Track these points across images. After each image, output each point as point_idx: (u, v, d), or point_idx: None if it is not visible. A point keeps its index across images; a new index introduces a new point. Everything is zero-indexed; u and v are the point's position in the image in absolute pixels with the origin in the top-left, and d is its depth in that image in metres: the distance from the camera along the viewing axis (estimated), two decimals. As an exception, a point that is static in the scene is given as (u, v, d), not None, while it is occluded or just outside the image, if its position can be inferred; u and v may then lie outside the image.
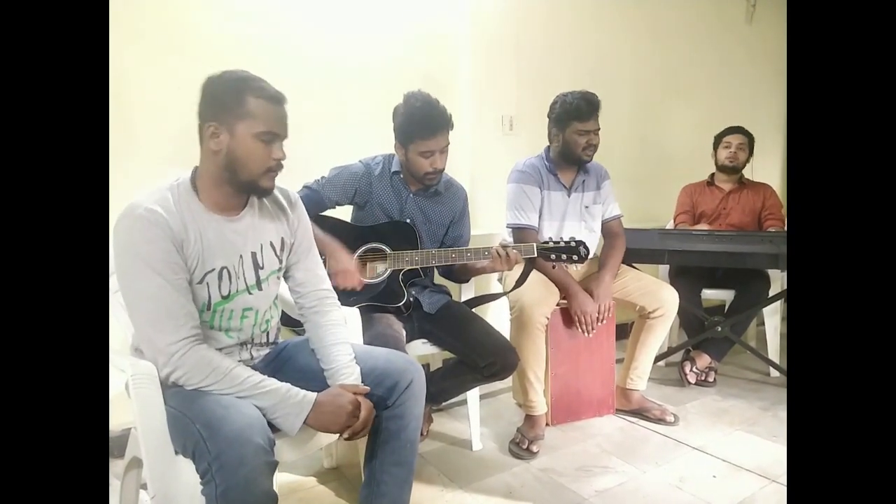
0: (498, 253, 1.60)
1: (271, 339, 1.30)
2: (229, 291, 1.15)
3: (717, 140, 2.71)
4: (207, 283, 1.12)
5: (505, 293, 1.94)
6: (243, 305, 1.18)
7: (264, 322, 1.25)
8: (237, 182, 1.11)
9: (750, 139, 2.65)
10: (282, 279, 1.30)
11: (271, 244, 1.22)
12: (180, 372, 1.03)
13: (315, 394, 1.09)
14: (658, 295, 2.03)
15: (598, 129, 1.97)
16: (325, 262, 1.40)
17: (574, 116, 1.94)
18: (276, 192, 1.26)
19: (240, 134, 1.07)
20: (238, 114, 1.07)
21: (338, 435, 1.13)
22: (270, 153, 1.10)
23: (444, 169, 1.71)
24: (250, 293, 1.18)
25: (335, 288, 1.39)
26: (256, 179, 1.11)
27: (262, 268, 1.20)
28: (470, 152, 2.53)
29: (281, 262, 1.25)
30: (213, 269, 1.12)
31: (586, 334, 1.94)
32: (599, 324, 1.97)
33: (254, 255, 1.18)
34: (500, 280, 2.15)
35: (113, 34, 1.33)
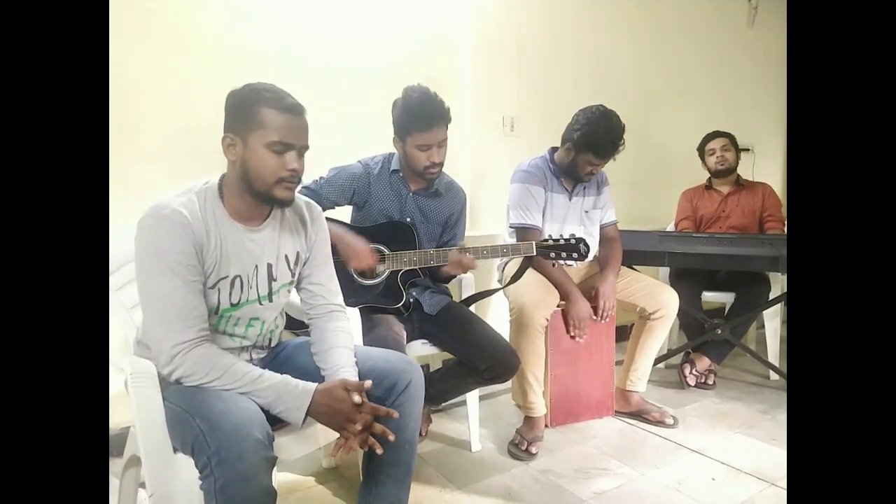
0: (452, 258, 1.61)
1: (273, 345, 1.31)
2: (239, 300, 1.16)
3: (701, 151, 2.75)
4: (219, 289, 1.13)
5: (501, 287, 1.94)
6: (251, 315, 1.20)
7: (269, 332, 1.27)
8: (253, 192, 1.12)
9: (731, 139, 2.69)
10: (293, 290, 1.30)
11: (286, 257, 1.23)
12: (181, 370, 1.04)
13: (314, 384, 1.09)
14: (658, 296, 2.03)
15: (608, 162, 1.96)
16: (335, 251, 1.41)
17: (593, 149, 1.89)
18: (301, 204, 1.27)
19: (251, 144, 1.09)
20: (251, 125, 1.08)
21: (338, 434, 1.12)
22: (283, 163, 1.10)
23: (443, 163, 1.71)
24: (260, 304, 1.20)
25: (353, 272, 1.44)
26: (270, 189, 1.11)
27: (275, 280, 1.21)
28: (471, 153, 2.53)
29: (293, 275, 1.26)
30: (227, 277, 1.13)
31: (577, 339, 1.95)
32: (604, 321, 1.97)
33: (269, 266, 1.20)
34: (499, 281, 2.15)
35: (114, 34, 1.33)
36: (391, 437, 1.09)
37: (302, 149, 1.13)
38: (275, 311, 1.25)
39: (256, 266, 1.17)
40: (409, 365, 1.23)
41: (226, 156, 1.13)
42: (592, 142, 1.88)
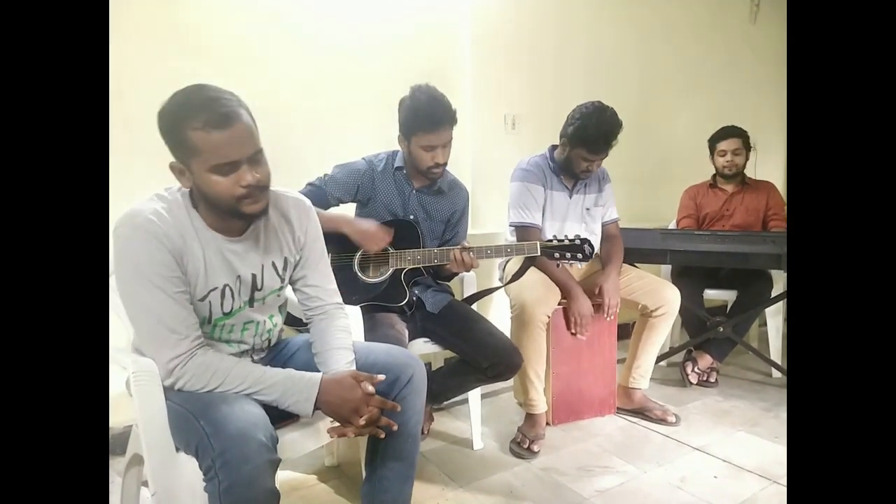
0: (454, 257, 1.62)
1: (273, 344, 1.30)
2: (231, 308, 1.14)
3: (712, 146, 2.66)
4: (210, 301, 1.10)
5: (502, 285, 1.93)
6: (244, 319, 1.18)
7: (266, 332, 1.24)
8: (221, 210, 1.05)
9: (744, 138, 2.61)
10: (289, 288, 1.28)
11: (273, 264, 1.19)
12: (182, 381, 1.03)
13: (320, 373, 1.09)
14: (660, 293, 2.03)
15: (604, 157, 1.94)
16: (347, 242, 1.40)
17: (584, 144, 1.88)
18: (287, 203, 1.21)
19: (196, 171, 1.00)
20: (186, 152, 0.99)
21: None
22: (236, 181, 1.00)
23: (446, 163, 1.71)
24: (251, 306, 1.18)
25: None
26: (235, 207, 1.03)
27: (259, 289, 1.17)
28: (472, 151, 2.53)
29: (283, 280, 1.23)
30: (216, 288, 1.10)
31: (579, 336, 1.95)
32: (609, 318, 1.97)
33: (254, 276, 1.16)
34: (500, 279, 2.15)
35: (114, 34, 1.33)
36: (394, 427, 1.10)
37: (252, 157, 1.01)
38: (268, 311, 1.23)
39: (239, 276, 1.13)
40: (412, 359, 1.23)
41: (180, 184, 1.05)
42: (584, 136, 1.87)
